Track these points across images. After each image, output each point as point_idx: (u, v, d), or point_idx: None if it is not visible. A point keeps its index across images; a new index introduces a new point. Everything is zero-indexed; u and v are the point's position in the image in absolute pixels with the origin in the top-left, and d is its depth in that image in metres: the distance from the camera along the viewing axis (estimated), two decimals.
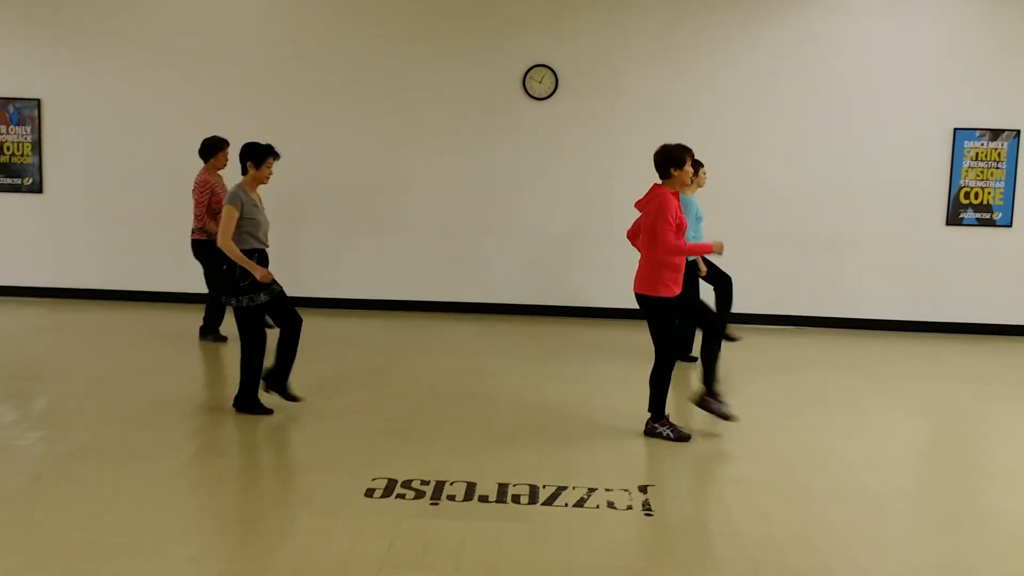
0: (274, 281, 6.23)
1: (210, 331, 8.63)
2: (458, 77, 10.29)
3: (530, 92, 10.21)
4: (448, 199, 10.45)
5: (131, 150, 10.58)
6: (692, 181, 7.24)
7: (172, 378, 7.28)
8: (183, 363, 7.85)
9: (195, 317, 8.89)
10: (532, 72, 10.18)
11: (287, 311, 6.32)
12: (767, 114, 10.11)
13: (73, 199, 10.71)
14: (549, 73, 10.17)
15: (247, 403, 6.31)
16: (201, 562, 4.07)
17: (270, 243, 6.41)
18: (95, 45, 10.50)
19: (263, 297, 6.15)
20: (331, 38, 10.35)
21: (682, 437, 6.02)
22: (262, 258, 6.22)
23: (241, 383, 6.33)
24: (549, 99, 10.22)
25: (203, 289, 8.75)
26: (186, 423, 6.11)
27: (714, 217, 8.94)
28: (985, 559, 4.36)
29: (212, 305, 8.62)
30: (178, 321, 9.50)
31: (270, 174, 6.30)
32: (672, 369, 6.11)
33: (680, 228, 6.07)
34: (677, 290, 6.10)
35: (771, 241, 10.18)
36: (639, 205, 6.34)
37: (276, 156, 6.32)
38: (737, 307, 9.64)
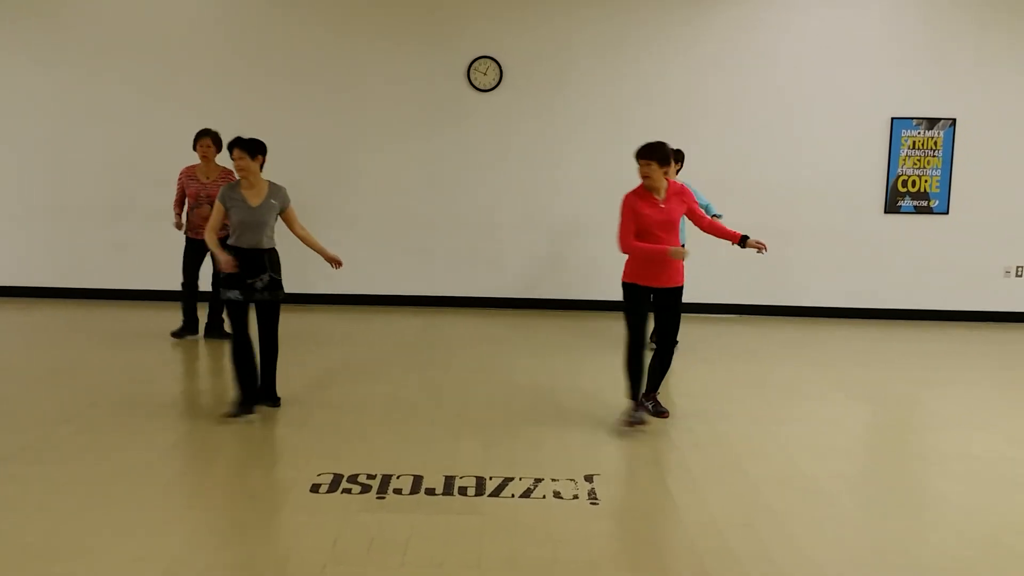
0: (256, 291, 6.13)
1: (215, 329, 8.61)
2: (402, 69, 10.25)
3: (475, 84, 10.20)
4: (393, 192, 10.41)
5: (68, 146, 10.40)
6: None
7: (113, 377, 7.19)
8: (124, 362, 7.74)
9: (135, 315, 8.77)
10: (476, 64, 10.18)
11: (263, 327, 6.28)
12: (709, 106, 10.21)
13: (4, 195, 10.53)
14: (494, 65, 10.17)
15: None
16: (145, 562, 4.03)
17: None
18: (33, 40, 10.29)
19: (233, 294, 6.10)
20: (274, 33, 10.26)
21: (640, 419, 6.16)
22: (238, 256, 6.11)
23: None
24: (494, 91, 10.22)
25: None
26: (128, 423, 6.03)
27: None
28: (923, 543, 4.46)
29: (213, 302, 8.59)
30: (117, 319, 9.38)
31: (236, 164, 6.17)
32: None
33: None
34: None
35: None
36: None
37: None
38: (685, 297, 9.72)
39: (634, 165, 6.05)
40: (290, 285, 10.29)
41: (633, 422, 6.09)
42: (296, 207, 10.20)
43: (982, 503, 4.97)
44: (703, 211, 6.30)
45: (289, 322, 9.45)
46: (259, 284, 6.16)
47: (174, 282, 8.56)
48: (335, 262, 6.43)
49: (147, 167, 10.18)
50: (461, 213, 10.43)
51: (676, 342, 6.44)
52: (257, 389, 6.26)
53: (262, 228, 6.19)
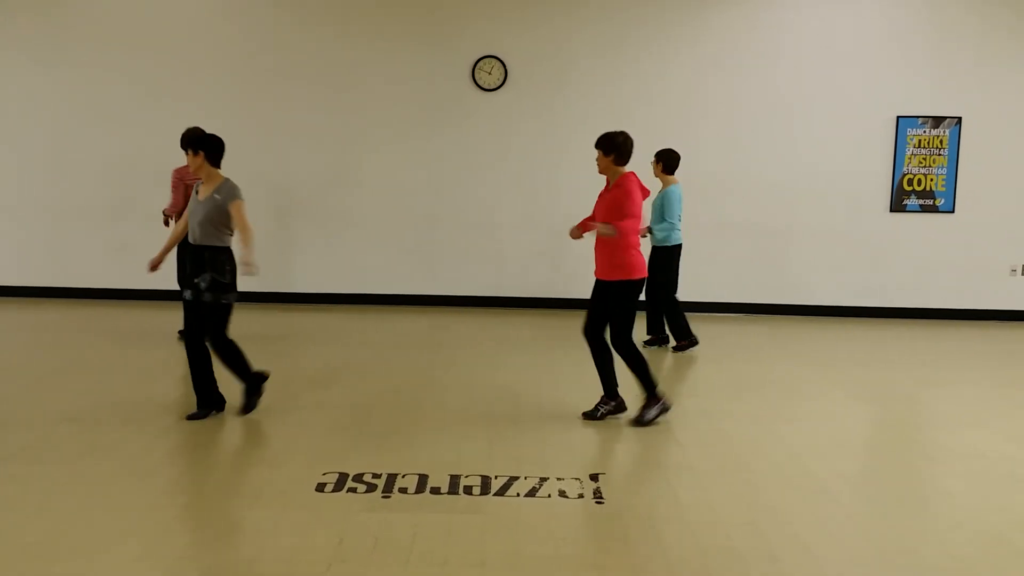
0: (200, 290, 5.93)
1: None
2: (405, 69, 10.24)
3: (479, 83, 10.18)
4: (395, 192, 10.40)
5: (68, 146, 10.40)
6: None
7: (113, 377, 7.16)
8: (124, 362, 7.72)
9: (136, 315, 8.75)
10: (481, 63, 10.16)
11: (205, 327, 6.16)
12: (712, 105, 10.20)
13: (5, 195, 10.51)
14: (498, 64, 10.15)
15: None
16: (148, 561, 4.00)
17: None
18: (33, 40, 10.28)
19: (186, 294, 6.03)
20: (279, 34, 10.24)
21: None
22: (190, 253, 6.02)
23: None
24: (498, 90, 10.20)
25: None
26: (129, 423, 6.00)
27: None
28: (927, 541, 4.43)
29: None
30: (118, 319, 9.35)
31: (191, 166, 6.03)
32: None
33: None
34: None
35: (720, 231, 10.28)
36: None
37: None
38: (688, 296, 9.75)
39: (633, 164, 6.18)
40: (290, 284, 10.37)
41: (586, 414, 6.26)
42: (298, 206, 10.26)
43: (984, 501, 4.94)
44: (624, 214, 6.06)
45: (291, 322, 9.47)
46: (201, 284, 5.92)
47: (175, 282, 8.54)
48: (246, 265, 5.80)
49: (147, 167, 10.16)
50: (463, 213, 10.41)
51: (635, 340, 6.31)
52: (211, 391, 6.15)
53: (203, 223, 5.88)
